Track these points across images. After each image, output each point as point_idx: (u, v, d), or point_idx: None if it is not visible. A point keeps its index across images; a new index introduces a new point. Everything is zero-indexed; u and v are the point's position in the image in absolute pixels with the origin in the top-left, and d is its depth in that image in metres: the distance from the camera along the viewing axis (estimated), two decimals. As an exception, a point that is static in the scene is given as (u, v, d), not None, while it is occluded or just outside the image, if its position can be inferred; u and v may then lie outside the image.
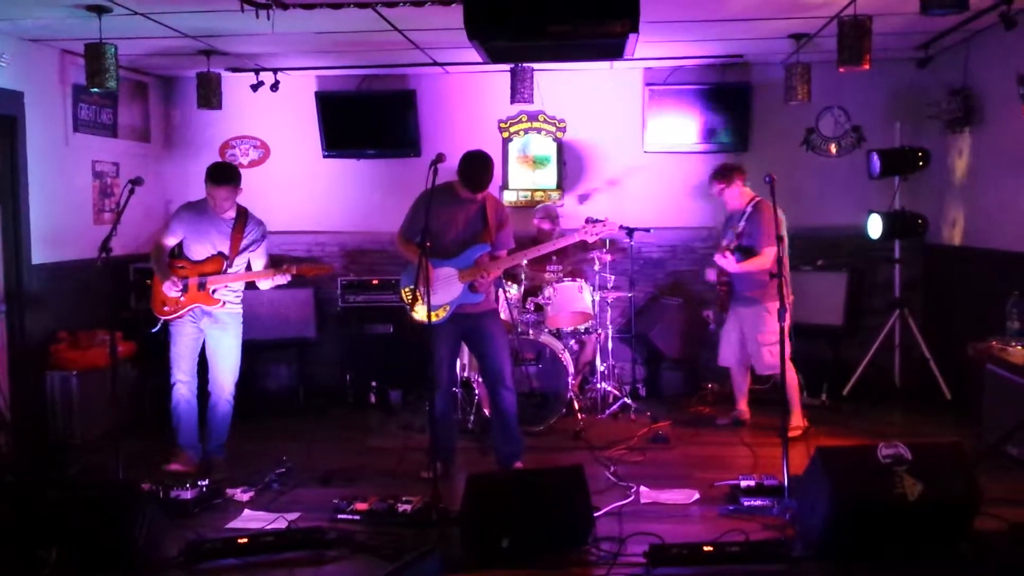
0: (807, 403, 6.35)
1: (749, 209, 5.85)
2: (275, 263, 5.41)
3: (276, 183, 7.63)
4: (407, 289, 4.96)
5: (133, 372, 6.37)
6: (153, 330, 5.36)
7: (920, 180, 6.96)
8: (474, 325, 5.13)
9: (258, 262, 5.34)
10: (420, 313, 4.86)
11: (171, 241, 5.30)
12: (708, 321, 7.28)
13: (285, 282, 5.28)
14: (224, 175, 5.17)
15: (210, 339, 5.28)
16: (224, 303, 5.22)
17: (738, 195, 5.93)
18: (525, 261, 6.07)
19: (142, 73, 7.33)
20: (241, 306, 5.37)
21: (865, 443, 4.19)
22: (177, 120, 7.70)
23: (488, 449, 5.51)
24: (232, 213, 5.26)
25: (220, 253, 5.20)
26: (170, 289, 5.11)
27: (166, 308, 5.20)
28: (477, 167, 4.93)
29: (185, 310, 5.19)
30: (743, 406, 6.24)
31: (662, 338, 6.96)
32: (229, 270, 5.20)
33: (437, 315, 5.00)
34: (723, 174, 5.94)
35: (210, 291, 5.16)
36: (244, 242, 5.24)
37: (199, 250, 5.22)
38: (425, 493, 4.45)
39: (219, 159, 7.61)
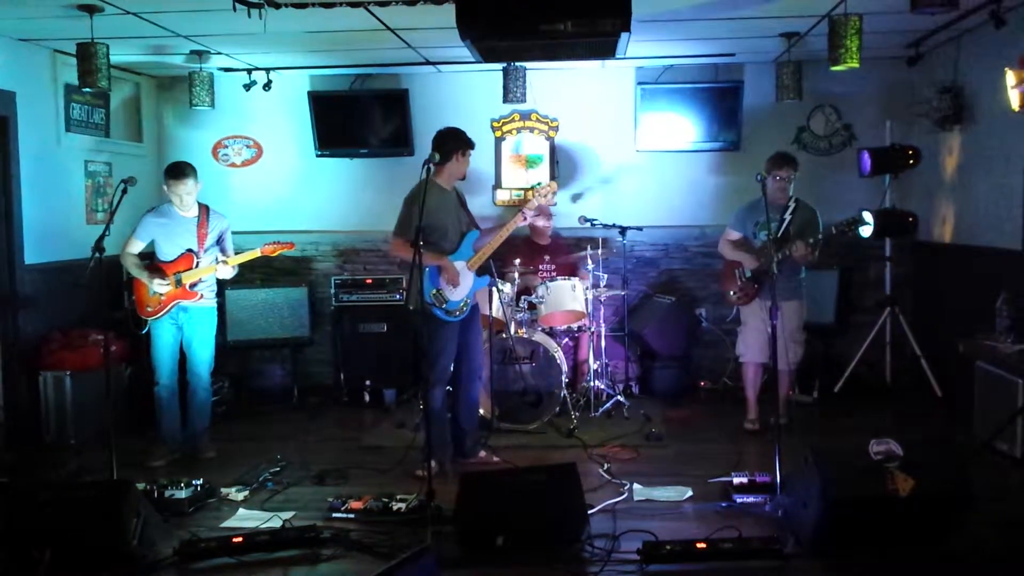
0: (799, 400, 6.38)
1: (794, 204, 5.77)
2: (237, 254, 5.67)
3: (269, 182, 7.64)
4: (433, 291, 5.03)
5: (126, 372, 6.36)
6: (143, 331, 5.56)
7: (910, 178, 6.99)
8: (471, 318, 5.27)
9: (229, 253, 5.61)
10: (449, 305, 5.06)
11: (138, 247, 5.48)
12: (701, 319, 7.32)
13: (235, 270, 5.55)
14: (183, 170, 5.40)
15: (187, 332, 5.52)
16: (202, 296, 5.48)
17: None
18: (519, 261, 6.21)
19: (134, 72, 7.31)
20: (215, 299, 5.64)
21: (856, 440, 4.21)
22: (170, 120, 7.69)
23: (484, 448, 5.51)
24: (195, 211, 5.48)
25: (189, 250, 5.43)
26: (161, 286, 5.35)
27: (149, 309, 5.44)
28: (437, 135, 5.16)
29: (167, 308, 5.42)
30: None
31: (655, 336, 6.97)
32: (200, 264, 5.44)
33: (462, 309, 5.14)
34: (796, 164, 5.83)
35: (187, 286, 5.41)
36: (210, 237, 5.48)
37: (170, 251, 5.46)
38: (420, 491, 4.45)
39: (212, 159, 7.63)
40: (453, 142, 5.12)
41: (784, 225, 5.73)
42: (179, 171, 5.39)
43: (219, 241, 5.55)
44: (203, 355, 5.56)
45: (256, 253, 5.57)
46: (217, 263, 5.46)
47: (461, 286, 5.10)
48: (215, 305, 5.64)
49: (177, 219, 5.44)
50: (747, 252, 5.91)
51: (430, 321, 5.00)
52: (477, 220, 5.49)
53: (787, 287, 5.61)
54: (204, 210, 5.51)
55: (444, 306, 5.03)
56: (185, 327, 5.50)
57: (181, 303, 5.43)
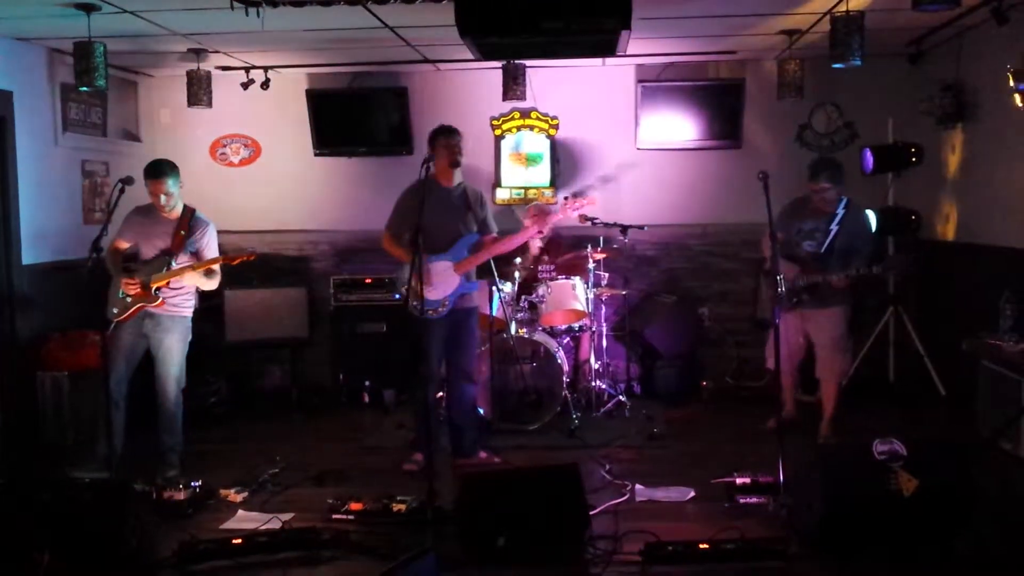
0: (802, 400, 6.35)
1: (843, 210, 5.41)
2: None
3: (267, 182, 7.62)
4: (405, 287, 5.00)
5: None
6: (108, 333, 5.19)
7: (913, 176, 6.96)
8: (462, 320, 5.23)
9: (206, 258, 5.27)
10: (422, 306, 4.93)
11: (123, 245, 5.26)
12: (703, 318, 7.30)
13: (214, 281, 5.22)
14: (162, 168, 5.12)
15: (152, 342, 5.19)
16: (165, 302, 5.12)
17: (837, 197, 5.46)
18: (519, 260, 6.16)
19: (131, 71, 7.29)
20: (189, 311, 5.27)
21: (860, 440, 4.18)
22: (167, 119, 7.65)
23: (484, 448, 5.48)
24: (178, 212, 5.21)
25: (163, 252, 5.17)
26: (128, 286, 5.08)
27: (114, 311, 5.13)
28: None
29: (132, 311, 5.10)
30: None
31: (657, 336, 6.94)
32: (172, 268, 5.12)
33: (438, 311, 5.08)
34: (842, 177, 5.39)
35: (152, 291, 5.09)
36: (188, 241, 5.18)
37: (147, 251, 5.21)
38: (420, 492, 4.42)
39: (210, 158, 7.61)
40: (431, 139, 5.24)
41: (830, 237, 5.41)
42: (157, 170, 5.08)
43: (197, 247, 5.20)
44: (169, 369, 5.15)
45: (219, 260, 5.18)
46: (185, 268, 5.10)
47: (438, 286, 5.05)
48: (188, 316, 5.23)
49: (158, 219, 5.17)
50: (796, 265, 5.44)
51: (416, 318, 4.98)
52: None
53: (842, 291, 5.39)
54: (188, 212, 5.23)
55: (415, 303, 4.89)
56: (151, 337, 5.14)
57: (148, 310, 5.09)
